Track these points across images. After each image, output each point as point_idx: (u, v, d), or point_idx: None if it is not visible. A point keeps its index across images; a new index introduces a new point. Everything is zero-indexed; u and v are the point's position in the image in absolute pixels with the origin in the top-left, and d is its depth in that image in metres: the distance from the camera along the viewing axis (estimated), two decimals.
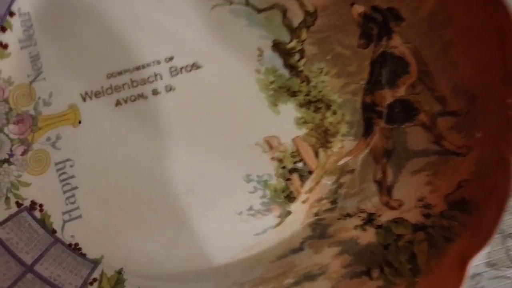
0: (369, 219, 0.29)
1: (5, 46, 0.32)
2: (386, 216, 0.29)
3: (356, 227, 0.29)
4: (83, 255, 0.30)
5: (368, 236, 0.29)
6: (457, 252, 0.26)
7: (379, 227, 0.29)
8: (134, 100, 0.32)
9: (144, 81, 0.32)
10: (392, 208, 0.29)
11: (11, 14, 0.33)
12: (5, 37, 0.32)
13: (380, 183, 0.30)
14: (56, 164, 0.31)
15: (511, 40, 0.27)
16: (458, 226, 0.27)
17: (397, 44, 0.31)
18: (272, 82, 0.32)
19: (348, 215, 0.30)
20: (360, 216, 0.29)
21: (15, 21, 0.33)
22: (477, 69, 0.29)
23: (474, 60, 0.29)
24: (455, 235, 0.27)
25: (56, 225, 0.30)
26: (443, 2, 0.30)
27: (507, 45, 0.27)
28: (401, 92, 0.31)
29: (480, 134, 0.28)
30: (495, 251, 0.30)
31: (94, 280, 0.29)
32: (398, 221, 0.29)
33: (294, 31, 0.33)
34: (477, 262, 0.30)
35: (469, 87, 0.29)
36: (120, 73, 0.33)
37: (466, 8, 0.29)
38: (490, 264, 0.30)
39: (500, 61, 0.27)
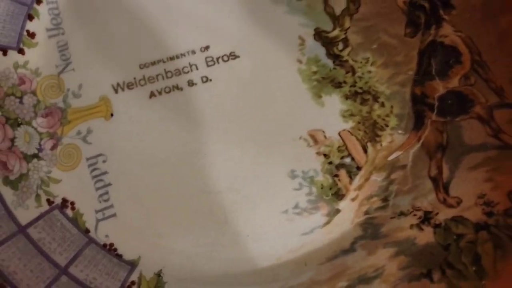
0: (426, 218, 0.27)
1: (32, 35, 0.31)
2: (444, 214, 0.27)
3: (412, 226, 0.27)
4: (119, 256, 0.28)
5: (426, 236, 0.27)
6: None
7: (437, 226, 0.27)
8: (169, 92, 0.31)
9: (178, 72, 0.31)
10: (450, 206, 0.27)
11: (38, 1, 0.32)
12: (32, 26, 0.31)
13: (435, 180, 0.28)
14: (88, 159, 0.30)
15: None
16: None
17: (448, 33, 0.30)
18: (315, 73, 0.31)
19: (402, 214, 0.28)
20: (415, 215, 0.28)
21: (42, 9, 0.32)
22: None
23: None
24: None
25: (89, 224, 0.29)
26: None
27: None
28: (454, 83, 0.29)
29: None
30: None
31: (133, 283, 0.27)
32: (457, 219, 0.27)
33: (336, 19, 0.32)
34: None
35: None
36: (153, 63, 0.31)
37: None
38: None
39: None
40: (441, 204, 0.28)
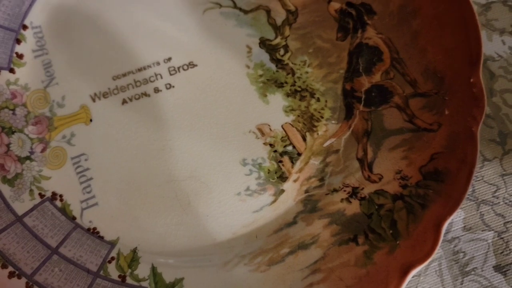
0: (354, 193, 0.31)
1: (20, 57, 0.34)
2: (368, 189, 0.31)
3: (342, 200, 0.31)
4: (101, 238, 0.32)
5: (353, 208, 0.31)
6: (432, 217, 0.28)
7: (362, 199, 0.31)
8: (138, 98, 0.34)
9: (146, 81, 0.34)
10: (373, 181, 0.31)
11: (24, 27, 0.35)
12: (20, 48, 0.35)
13: (362, 160, 0.32)
14: (72, 158, 0.33)
15: (473, 27, 0.29)
16: (432, 193, 0.29)
17: (371, 36, 0.33)
18: (261, 76, 0.34)
19: (335, 190, 0.31)
20: (345, 191, 0.31)
21: (28, 34, 0.35)
22: (444, 54, 0.31)
23: (441, 46, 0.31)
24: (430, 202, 0.29)
25: (76, 213, 0.32)
26: None
27: (470, 32, 0.29)
28: (377, 78, 0.33)
29: (448, 111, 0.30)
30: (470, 217, 0.32)
31: (112, 258, 0.31)
32: (379, 192, 0.30)
33: (278, 29, 0.35)
34: (455, 228, 0.32)
35: (438, 71, 0.31)
36: (124, 75, 0.35)
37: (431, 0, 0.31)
38: (466, 229, 0.32)
39: (465, 46, 0.29)
40: (366, 180, 0.31)
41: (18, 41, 0.35)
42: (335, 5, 0.34)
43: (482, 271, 0.31)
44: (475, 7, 0.34)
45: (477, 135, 0.28)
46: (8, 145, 0.33)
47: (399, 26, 0.32)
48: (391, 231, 0.29)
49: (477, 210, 0.32)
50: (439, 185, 0.29)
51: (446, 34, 0.30)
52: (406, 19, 0.32)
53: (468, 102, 0.29)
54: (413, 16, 0.32)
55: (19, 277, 0.29)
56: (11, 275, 0.29)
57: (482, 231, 0.32)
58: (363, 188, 0.31)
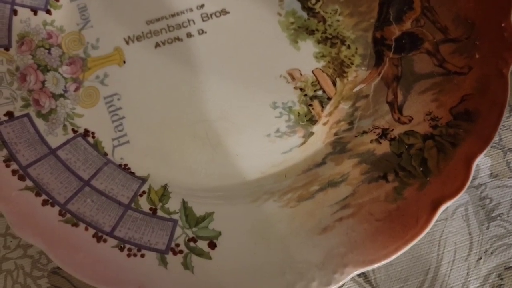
0: (383, 134, 0.32)
1: None
2: (398, 130, 0.31)
3: (372, 141, 0.32)
4: (132, 173, 0.32)
5: (383, 148, 0.31)
6: (463, 154, 0.29)
7: (392, 139, 0.31)
8: (171, 42, 0.35)
9: (179, 26, 0.35)
10: (403, 123, 0.32)
11: None
12: None
13: (392, 104, 0.32)
14: (105, 98, 0.34)
15: None
16: (462, 132, 0.29)
17: None
18: (292, 23, 0.35)
19: (364, 132, 0.32)
20: (375, 132, 0.32)
21: None
22: (474, 1, 0.31)
23: None
24: (460, 140, 0.29)
25: (107, 149, 0.33)
26: None
27: None
28: (407, 26, 0.33)
29: (479, 55, 0.31)
30: (497, 164, 0.32)
31: (143, 192, 0.32)
32: (409, 133, 0.31)
33: None
34: (481, 174, 0.32)
35: (468, 17, 0.31)
36: (158, 20, 0.35)
37: None
38: (493, 176, 0.32)
39: None
40: (396, 122, 0.32)
41: None
42: None
43: (508, 216, 0.32)
44: None
45: (507, 77, 0.29)
46: (43, 82, 0.34)
47: None
48: (421, 169, 0.29)
49: (504, 158, 0.33)
50: (469, 124, 0.29)
51: None
52: None
53: (498, 46, 0.30)
54: None
55: (52, 205, 0.30)
56: (44, 203, 0.30)
57: (509, 178, 0.32)
58: (393, 130, 0.31)
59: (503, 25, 0.30)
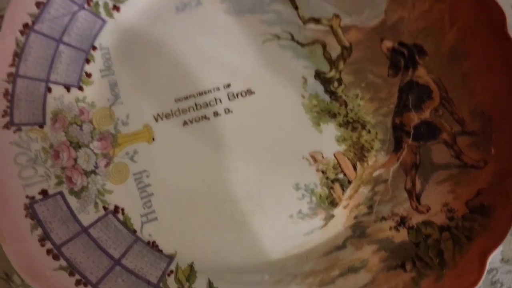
0: (402, 222, 0.33)
1: (89, 76, 0.37)
2: (416, 219, 0.33)
3: (390, 228, 0.33)
4: (160, 251, 0.34)
5: (402, 236, 0.33)
6: (477, 249, 0.30)
7: (410, 228, 0.33)
8: (199, 121, 0.37)
9: (206, 105, 0.37)
10: (421, 212, 0.33)
11: (94, 48, 0.37)
12: (89, 68, 0.37)
13: (410, 192, 0.34)
14: (134, 174, 0.35)
15: None
16: (478, 227, 0.31)
17: (422, 74, 0.36)
18: (315, 106, 0.36)
19: (383, 218, 0.34)
20: (393, 219, 0.33)
21: (97, 54, 0.37)
22: (491, 96, 0.33)
23: (489, 88, 0.33)
24: (476, 235, 0.31)
25: (136, 226, 0.34)
26: (461, 38, 0.35)
27: None
28: (426, 115, 0.35)
29: (495, 150, 0.32)
30: (509, 250, 0.34)
31: (171, 272, 0.33)
32: (426, 223, 0.33)
33: (333, 63, 0.37)
34: (493, 259, 0.34)
35: (485, 111, 0.33)
36: (186, 98, 0.37)
37: (481, 44, 0.33)
38: (504, 261, 0.34)
39: (511, 88, 0.32)
40: (414, 210, 0.34)
41: (87, 61, 0.37)
42: (388, 44, 0.37)
43: None
44: None
45: None
46: (75, 159, 0.35)
47: (450, 67, 0.35)
48: (438, 260, 0.31)
49: None
50: (484, 219, 0.31)
51: (494, 76, 0.33)
52: (456, 61, 0.35)
53: None
54: (464, 58, 0.34)
55: (85, 285, 0.31)
56: (78, 283, 0.31)
57: None
58: (411, 218, 0.33)
59: None
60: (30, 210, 0.32)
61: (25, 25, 0.35)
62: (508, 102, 0.32)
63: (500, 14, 0.33)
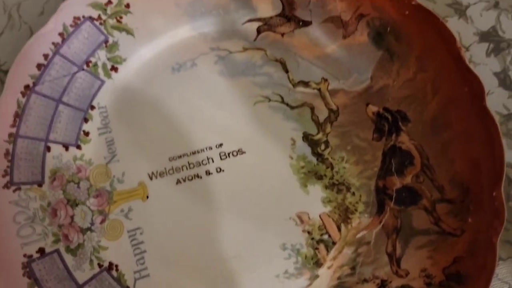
0: (382, 285, 0.34)
1: (87, 134, 0.38)
2: (396, 282, 0.34)
3: None
4: None
5: None
6: None
7: None
8: (191, 179, 0.38)
9: (199, 164, 0.38)
10: (401, 276, 0.34)
11: (92, 107, 0.38)
12: (87, 127, 0.38)
13: (391, 255, 0.35)
14: (129, 231, 0.36)
15: (498, 144, 0.33)
16: None
17: (405, 140, 0.37)
18: (302, 167, 0.38)
19: (365, 280, 0.35)
20: (375, 282, 0.35)
21: (95, 113, 0.39)
22: (470, 167, 0.34)
23: (468, 159, 0.34)
24: None
25: (129, 282, 0.35)
26: (443, 108, 0.36)
27: (496, 149, 0.33)
28: (408, 180, 0.36)
29: (471, 219, 0.33)
30: None
31: None
32: (405, 287, 0.34)
33: (320, 125, 0.39)
34: None
35: (464, 181, 0.34)
36: (179, 157, 0.38)
37: (462, 115, 0.35)
38: None
39: (489, 161, 0.33)
40: (394, 274, 0.35)
41: (85, 120, 0.38)
42: (373, 108, 0.38)
43: None
44: (497, 117, 0.38)
45: (496, 245, 0.32)
46: (72, 217, 0.36)
47: (431, 136, 0.36)
48: None
49: None
50: (460, 287, 0.32)
51: (474, 148, 0.34)
52: (437, 130, 0.36)
53: (490, 214, 0.33)
54: (444, 128, 0.36)
55: None
56: None
57: None
58: (391, 282, 0.34)
59: (494, 194, 0.32)
60: (28, 269, 0.33)
61: (26, 87, 0.36)
62: (485, 175, 0.33)
63: (479, 87, 0.34)
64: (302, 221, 0.36)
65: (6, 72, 0.41)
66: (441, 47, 0.36)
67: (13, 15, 0.43)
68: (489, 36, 0.41)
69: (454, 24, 0.41)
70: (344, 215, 0.36)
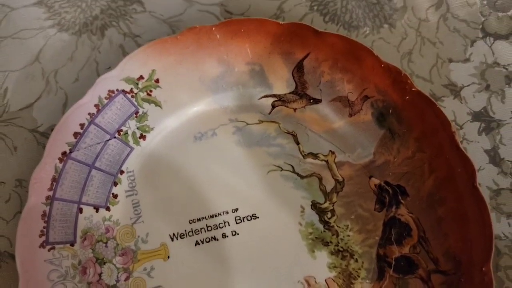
0: None
1: (115, 196, 0.40)
2: None
3: None
4: None
5: None
6: None
7: None
8: (209, 242, 0.40)
9: (216, 227, 0.40)
10: None
11: (121, 172, 0.41)
12: (116, 189, 0.41)
13: None
14: None
15: (488, 223, 0.35)
16: None
17: (403, 213, 0.39)
18: (310, 233, 0.40)
19: None
20: None
21: (123, 177, 0.41)
22: (462, 242, 0.36)
23: (460, 235, 0.37)
24: None
25: None
26: (438, 186, 0.38)
27: (486, 227, 0.35)
28: (406, 250, 0.39)
29: None
30: None
31: None
32: None
33: (327, 195, 0.41)
34: None
35: (456, 254, 0.37)
36: (199, 220, 0.40)
37: (456, 194, 0.37)
38: None
39: (480, 238, 0.35)
40: None
41: (115, 184, 0.41)
42: (375, 181, 0.41)
43: None
44: (487, 192, 0.41)
45: None
46: (100, 274, 0.38)
47: (427, 210, 0.38)
48: None
49: None
50: None
51: (466, 225, 0.36)
52: (433, 205, 0.38)
53: (479, 287, 0.35)
54: (439, 204, 0.38)
55: None
56: None
57: None
58: None
59: (483, 269, 0.35)
60: None
61: (63, 153, 0.39)
62: (476, 250, 0.36)
63: (471, 168, 0.36)
64: (309, 285, 0.39)
65: (42, 134, 0.43)
66: (438, 130, 0.38)
67: (50, 81, 0.45)
68: (481, 116, 0.44)
69: (449, 104, 0.44)
70: (347, 280, 0.39)
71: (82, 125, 0.40)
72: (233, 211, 0.41)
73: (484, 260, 0.35)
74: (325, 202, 0.41)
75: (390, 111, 0.41)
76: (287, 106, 0.43)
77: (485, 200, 0.36)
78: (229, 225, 0.40)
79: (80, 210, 0.39)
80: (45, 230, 0.37)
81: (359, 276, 0.39)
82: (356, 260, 0.39)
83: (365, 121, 0.42)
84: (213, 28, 0.41)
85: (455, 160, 0.38)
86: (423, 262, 0.38)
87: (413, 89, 0.39)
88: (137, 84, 0.41)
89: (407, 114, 0.40)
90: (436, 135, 0.39)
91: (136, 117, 0.41)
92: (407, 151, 0.40)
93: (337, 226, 0.40)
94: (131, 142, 0.41)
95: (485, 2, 0.47)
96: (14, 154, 0.43)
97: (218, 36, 0.41)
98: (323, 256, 0.39)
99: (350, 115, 0.42)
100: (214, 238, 0.40)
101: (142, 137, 0.42)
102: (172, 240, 0.40)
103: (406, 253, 0.39)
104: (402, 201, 0.40)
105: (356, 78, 0.41)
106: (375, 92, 0.41)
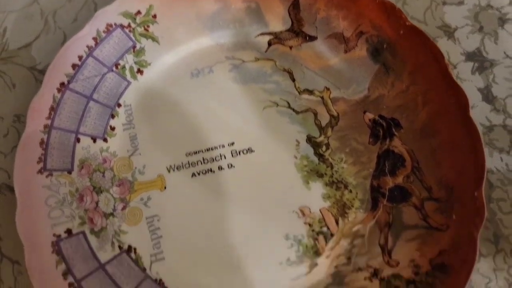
0: (375, 273, 0.36)
1: (113, 129, 0.40)
2: (387, 271, 0.36)
3: (365, 278, 0.36)
4: None
5: (374, 286, 0.36)
6: None
7: (382, 279, 0.36)
8: (205, 173, 0.40)
9: (212, 159, 0.40)
10: (392, 266, 0.36)
11: (119, 105, 0.41)
12: (113, 122, 0.40)
13: (383, 247, 0.37)
14: (147, 218, 0.38)
15: (480, 150, 0.35)
16: (439, 283, 0.34)
17: (397, 145, 0.39)
18: (305, 166, 0.40)
19: (360, 269, 0.37)
20: (368, 271, 0.36)
21: (121, 110, 0.41)
22: (455, 171, 0.36)
23: (453, 164, 0.37)
24: None
25: (146, 264, 0.37)
26: (431, 118, 0.38)
27: (478, 154, 0.35)
28: (399, 180, 0.38)
29: (455, 216, 0.36)
30: None
31: None
32: (395, 276, 0.36)
33: (322, 129, 0.41)
34: None
35: (449, 182, 0.37)
36: (195, 153, 0.40)
37: (448, 125, 0.37)
38: None
39: (472, 165, 0.35)
40: (386, 264, 0.37)
41: (112, 116, 0.40)
42: (370, 115, 0.40)
43: None
44: (480, 128, 0.41)
45: (477, 239, 0.34)
46: (97, 203, 0.38)
47: (421, 142, 0.38)
48: None
49: None
50: (444, 276, 0.34)
51: (458, 155, 0.36)
52: (426, 136, 0.38)
53: (471, 211, 0.35)
54: (433, 135, 0.38)
55: None
56: None
57: None
58: (383, 270, 0.36)
59: (476, 194, 0.35)
60: (56, 247, 0.35)
61: (62, 84, 0.38)
62: (468, 178, 0.36)
63: (464, 99, 0.36)
64: (304, 214, 0.38)
65: (41, 71, 0.43)
66: (431, 64, 0.38)
67: (49, 21, 0.45)
68: (474, 56, 0.44)
69: (443, 44, 0.44)
70: (341, 210, 0.38)
71: (80, 57, 0.39)
72: (229, 145, 0.40)
73: (476, 186, 0.35)
74: (320, 136, 0.41)
75: (385, 46, 0.40)
76: (283, 44, 0.43)
77: (478, 129, 0.35)
78: (225, 158, 0.40)
79: (78, 140, 0.39)
80: (43, 157, 0.37)
81: (353, 206, 0.39)
82: (350, 191, 0.39)
83: (360, 57, 0.41)
84: None
85: (448, 91, 0.37)
86: (417, 190, 0.38)
87: (407, 23, 0.39)
88: (135, 19, 0.41)
89: (401, 48, 0.40)
90: (430, 68, 0.38)
91: (133, 51, 0.41)
92: (401, 84, 0.40)
93: (331, 158, 0.40)
94: (128, 76, 0.41)
95: None
96: (12, 90, 0.43)
97: None
98: (318, 187, 0.39)
99: (345, 52, 0.42)
100: (211, 170, 0.40)
101: (140, 71, 0.41)
102: (169, 171, 0.40)
103: (400, 183, 0.38)
104: (396, 133, 0.40)
105: (351, 14, 0.41)
106: (370, 27, 0.41)
